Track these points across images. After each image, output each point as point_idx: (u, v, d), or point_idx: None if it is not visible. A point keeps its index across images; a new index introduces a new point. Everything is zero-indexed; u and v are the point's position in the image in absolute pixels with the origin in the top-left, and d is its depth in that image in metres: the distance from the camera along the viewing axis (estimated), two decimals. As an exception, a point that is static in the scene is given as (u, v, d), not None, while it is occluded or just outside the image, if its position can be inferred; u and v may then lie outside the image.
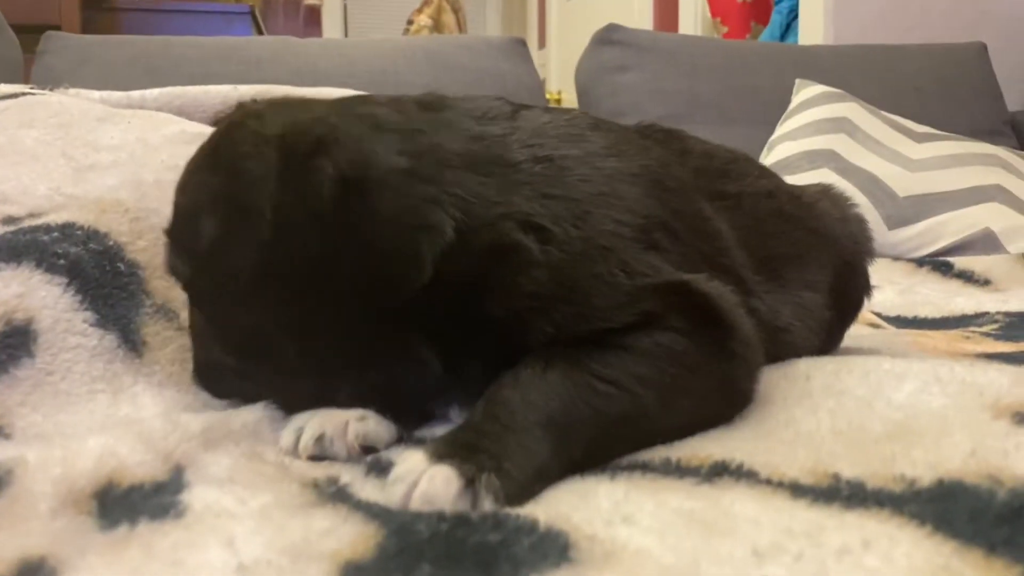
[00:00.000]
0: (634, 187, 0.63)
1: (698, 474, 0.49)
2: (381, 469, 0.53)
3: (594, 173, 0.63)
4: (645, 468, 0.50)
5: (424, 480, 0.46)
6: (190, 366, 0.74)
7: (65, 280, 0.70)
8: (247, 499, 0.46)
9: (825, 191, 0.86)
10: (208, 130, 1.04)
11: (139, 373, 0.71)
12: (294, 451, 0.58)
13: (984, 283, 1.28)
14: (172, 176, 0.89)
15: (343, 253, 0.57)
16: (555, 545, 0.39)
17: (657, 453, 0.53)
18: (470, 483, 0.46)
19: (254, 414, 0.62)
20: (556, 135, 0.65)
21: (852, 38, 2.42)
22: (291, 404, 0.63)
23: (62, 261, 0.71)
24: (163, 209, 0.82)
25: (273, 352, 0.62)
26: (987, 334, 0.96)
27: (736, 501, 0.44)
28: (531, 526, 0.41)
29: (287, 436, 0.59)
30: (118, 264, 0.76)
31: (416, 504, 0.45)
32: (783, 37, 2.68)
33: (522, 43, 2.07)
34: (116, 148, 1.00)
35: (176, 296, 0.78)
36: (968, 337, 0.93)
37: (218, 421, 0.59)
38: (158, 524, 0.42)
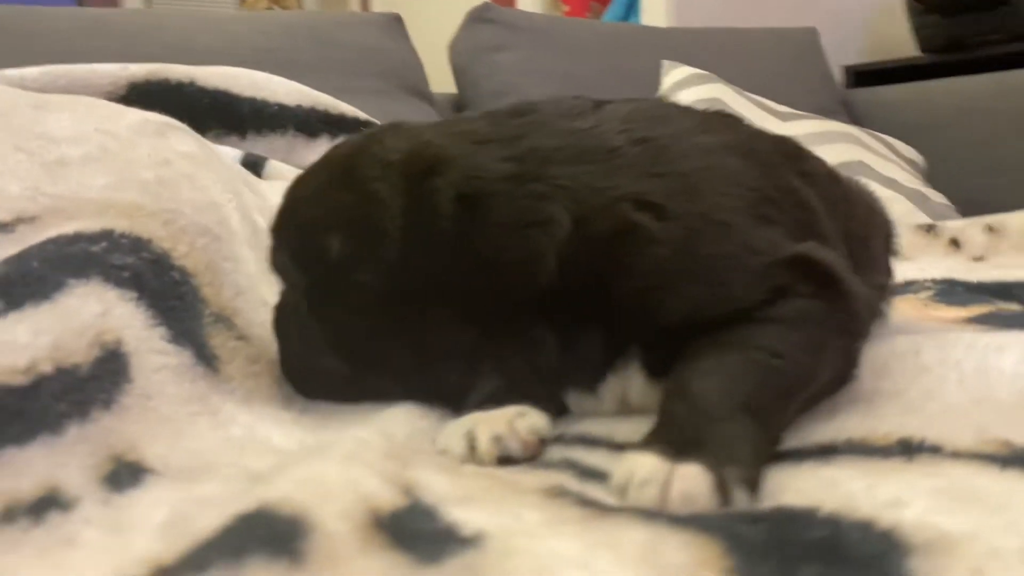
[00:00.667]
0: (735, 159, 0.66)
1: (892, 453, 0.53)
2: (591, 474, 0.53)
3: (693, 148, 0.66)
4: (831, 451, 0.54)
5: (677, 480, 0.47)
6: (262, 379, 0.70)
7: (135, 294, 0.64)
8: (520, 516, 0.45)
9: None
10: (171, 121, 0.97)
11: (221, 390, 0.66)
12: (470, 457, 0.57)
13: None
14: (170, 172, 0.84)
15: (467, 263, 0.61)
16: (887, 537, 0.41)
17: (822, 435, 0.57)
18: (720, 479, 0.47)
19: (403, 427, 0.60)
20: (645, 119, 0.68)
21: (693, 21, 2.56)
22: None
23: (126, 273, 0.65)
24: (183, 209, 0.77)
25: (391, 358, 0.63)
26: (932, 299, 1.08)
27: (962, 476, 0.49)
28: (842, 519, 0.43)
29: (457, 442, 0.57)
30: (172, 273, 0.70)
31: (675, 505, 0.46)
32: (626, 18, 2.78)
33: (399, 20, 2.04)
34: (77, 140, 0.90)
35: (227, 304, 0.73)
36: (925, 304, 1.04)
37: (380, 436, 0.57)
38: (473, 553, 0.41)
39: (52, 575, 0.39)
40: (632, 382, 0.62)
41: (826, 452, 0.54)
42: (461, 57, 2.12)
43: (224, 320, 0.72)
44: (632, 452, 0.50)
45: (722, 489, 0.47)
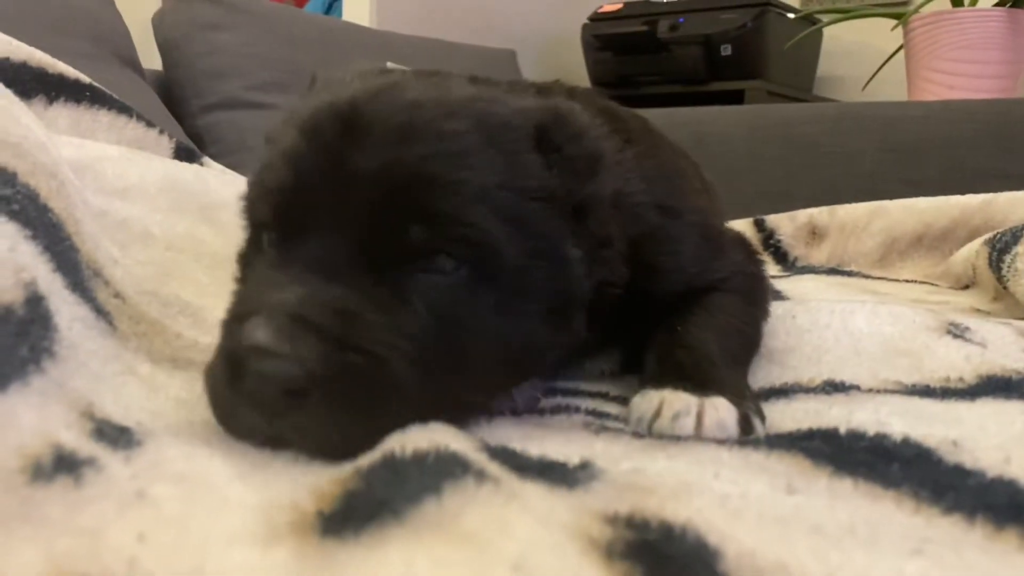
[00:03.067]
0: (684, 160, 0.74)
1: (829, 391, 0.61)
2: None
3: (658, 151, 0.72)
4: (785, 392, 0.61)
5: (710, 410, 0.51)
6: (153, 340, 0.62)
7: (30, 232, 0.53)
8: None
9: None
10: None
11: (128, 349, 0.57)
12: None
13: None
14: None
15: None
16: (909, 441, 0.48)
17: (765, 381, 0.64)
18: (743, 411, 0.52)
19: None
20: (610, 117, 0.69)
21: (394, 25, 2.60)
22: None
23: (15, 206, 0.53)
24: (25, 145, 0.66)
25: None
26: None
27: (898, 403, 0.58)
28: (864, 432, 0.49)
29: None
30: (48, 215, 0.58)
31: (711, 432, 0.51)
32: (328, 12, 2.75)
33: (103, -18, 1.83)
34: None
35: (93, 257, 0.63)
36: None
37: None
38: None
39: (179, 530, 0.32)
40: (613, 355, 0.66)
41: (783, 392, 0.61)
42: (170, 32, 1.96)
43: (98, 274, 0.62)
44: (654, 390, 0.53)
45: (745, 419, 0.52)
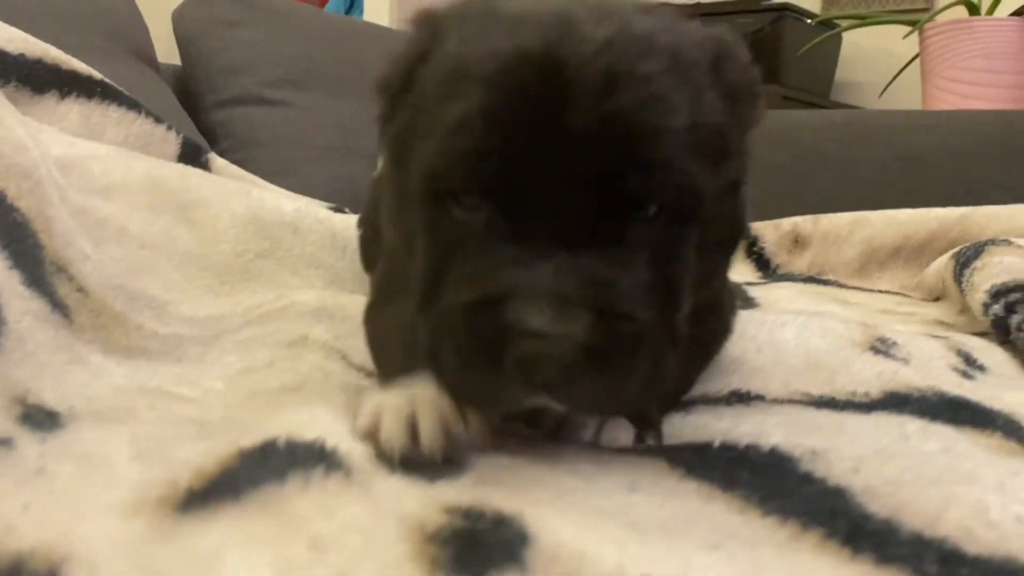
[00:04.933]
0: None
1: (732, 401, 0.65)
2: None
3: None
4: (690, 404, 0.65)
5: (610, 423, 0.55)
6: (112, 332, 0.67)
7: (-12, 231, 0.59)
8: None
9: None
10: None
11: (82, 340, 0.63)
12: None
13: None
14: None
15: None
16: (776, 452, 0.52)
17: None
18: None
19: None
20: None
21: (415, 24, 2.66)
22: None
23: (-25, 207, 0.59)
24: (1, 148, 0.71)
25: None
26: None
27: (792, 413, 0.62)
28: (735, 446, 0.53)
29: None
30: (13, 214, 0.64)
31: (605, 441, 0.54)
32: (348, 12, 2.81)
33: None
34: None
35: (61, 254, 0.68)
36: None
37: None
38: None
39: (62, 501, 0.37)
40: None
41: (688, 404, 0.64)
42: (189, 28, 2.02)
43: (63, 270, 0.67)
44: None
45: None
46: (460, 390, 0.48)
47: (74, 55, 1.46)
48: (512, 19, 0.51)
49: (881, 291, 1.30)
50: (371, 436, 0.48)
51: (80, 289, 0.68)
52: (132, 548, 0.34)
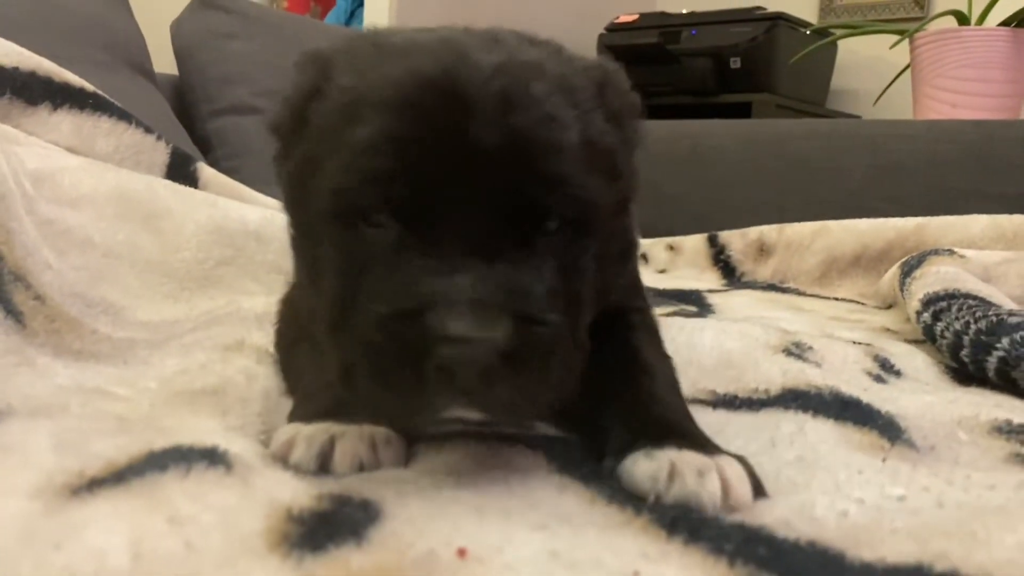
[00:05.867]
0: None
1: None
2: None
3: None
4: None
5: (734, 479, 0.50)
6: (65, 336, 0.72)
7: (-57, 244, 0.64)
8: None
9: None
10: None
11: (33, 344, 0.68)
12: None
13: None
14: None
15: None
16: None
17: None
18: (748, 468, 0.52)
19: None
20: None
21: (412, 34, 2.71)
22: None
23: (-67, 224, 0.65)
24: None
25: None
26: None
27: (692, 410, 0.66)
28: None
29: None
30: (-30, 228, 0.70)
31: (738, 501, 0.49)
32: (348, 23, 2.87)
33: (123, -7, 1.97)
34: None
35: (20, 264, 0.74)
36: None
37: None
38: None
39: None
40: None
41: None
42: (186, 40, 2.09)
43: (21, 279, 0.73)
44: (654, 449, 0.52)
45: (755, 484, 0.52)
46: (377, 404, 0.49)
47: (72, 67, 1.52)
48: (402, 49, 0.54)
49: (837, 299, 1.34)
50: (282, 460, 0.51)
51: (37, 297, 0.73)
52: (22, 521, 0.39)
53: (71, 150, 1.33)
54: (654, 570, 0.39)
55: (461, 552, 0.39)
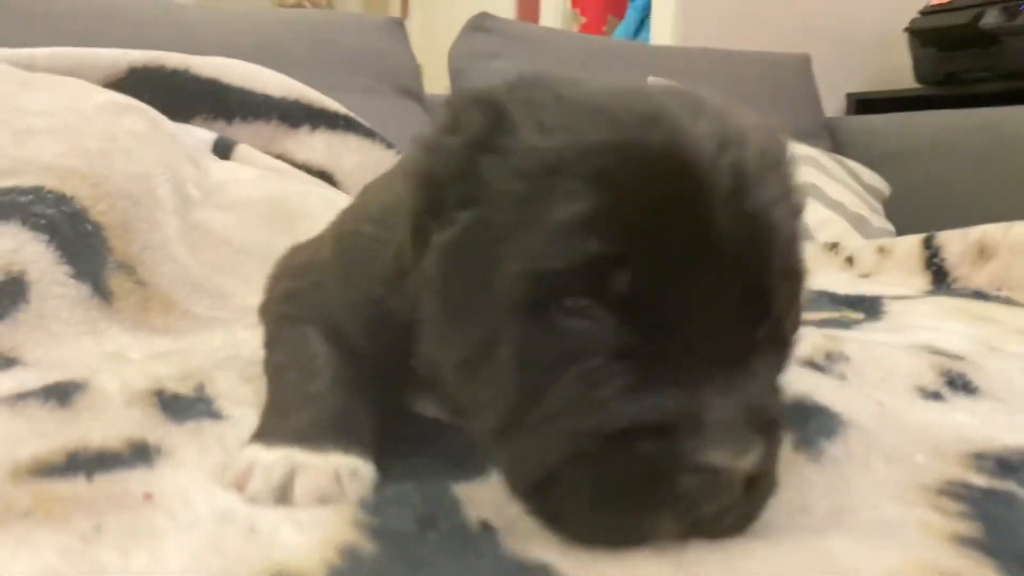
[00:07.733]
0: None
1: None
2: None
3: None
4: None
5: None
6: (152, 315, 0.87)
7: (47, 237, 0.82)
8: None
9: None
10: (134, 103, 1.14)
11: (112, 319, 0.83)
12: None
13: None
14: (113, 146, 1.01)
15: None
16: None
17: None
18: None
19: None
20: None
21: (699, 40, 2.68)
22: None
23: (43, 221, 0.83)
24: (113, 177, 0.94)
25: None
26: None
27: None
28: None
29: None
30: (86, 225, 0.87)
31: None
32: (637, 33, 2.92)
33: (400, 24, 2.20)
34: (47, 114, 1.08)
35: (134, 255, 0.90)
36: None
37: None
38: (211, 422, 0.57)
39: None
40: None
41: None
42: (458, 62, 2.28)
43: (127, 267, 0.89)
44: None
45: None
46: (588, 525, 0.42)
47: (338, 94, 1.75)
48: (595, 109, 0.45)
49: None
50: (238, 488, 0.48)
51: (139, 282, 0.89)
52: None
53: (323, 166, 1.55)
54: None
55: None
